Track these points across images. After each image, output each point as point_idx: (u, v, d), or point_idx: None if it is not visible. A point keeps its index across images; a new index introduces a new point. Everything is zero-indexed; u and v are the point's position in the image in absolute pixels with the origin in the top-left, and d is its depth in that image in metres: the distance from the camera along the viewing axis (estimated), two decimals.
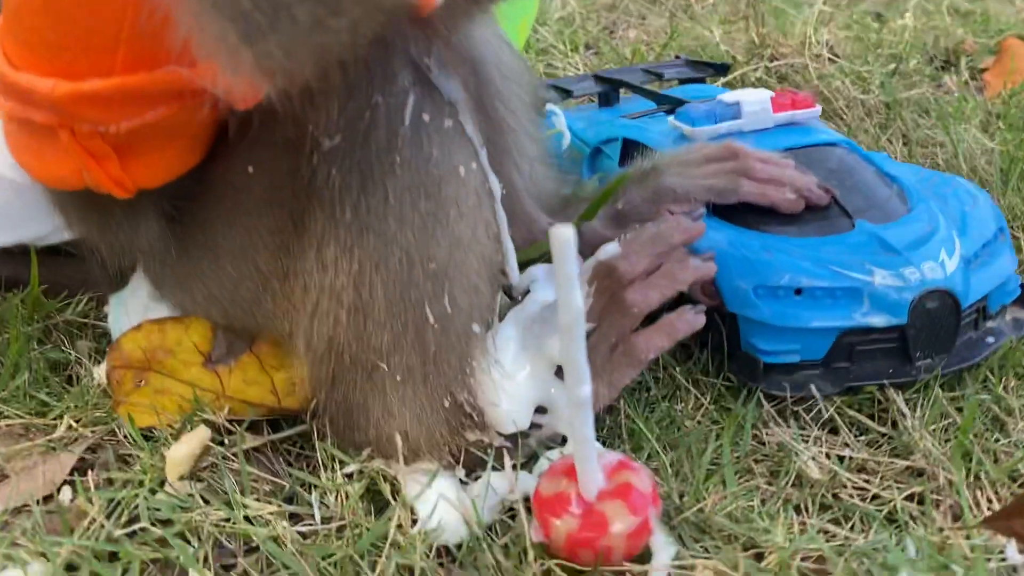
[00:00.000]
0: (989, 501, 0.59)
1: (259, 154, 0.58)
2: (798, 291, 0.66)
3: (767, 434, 0.65)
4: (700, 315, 0.64)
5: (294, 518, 0.59)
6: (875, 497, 0.60)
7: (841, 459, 0.63)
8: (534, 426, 0.61)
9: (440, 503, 0.57)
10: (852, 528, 0.58)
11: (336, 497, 0.59)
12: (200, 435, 0.61)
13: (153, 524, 0.57)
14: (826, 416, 0.66)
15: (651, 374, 0.70)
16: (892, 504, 0.59)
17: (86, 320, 0.76)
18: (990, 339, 0.70)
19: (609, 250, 0.64)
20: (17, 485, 0.61)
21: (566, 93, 0.97)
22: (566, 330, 0.49)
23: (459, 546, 0.56)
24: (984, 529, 0.56)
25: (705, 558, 0.55)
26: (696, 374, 0.71)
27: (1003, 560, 0.54)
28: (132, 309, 0.67)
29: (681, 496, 0.59)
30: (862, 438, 0.65)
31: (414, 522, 0.57)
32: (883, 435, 0.65)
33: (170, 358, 0.63)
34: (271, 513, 0.58)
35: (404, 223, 0.55)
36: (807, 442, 0.64)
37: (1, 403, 0.68)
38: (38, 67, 0.55)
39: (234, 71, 0.49)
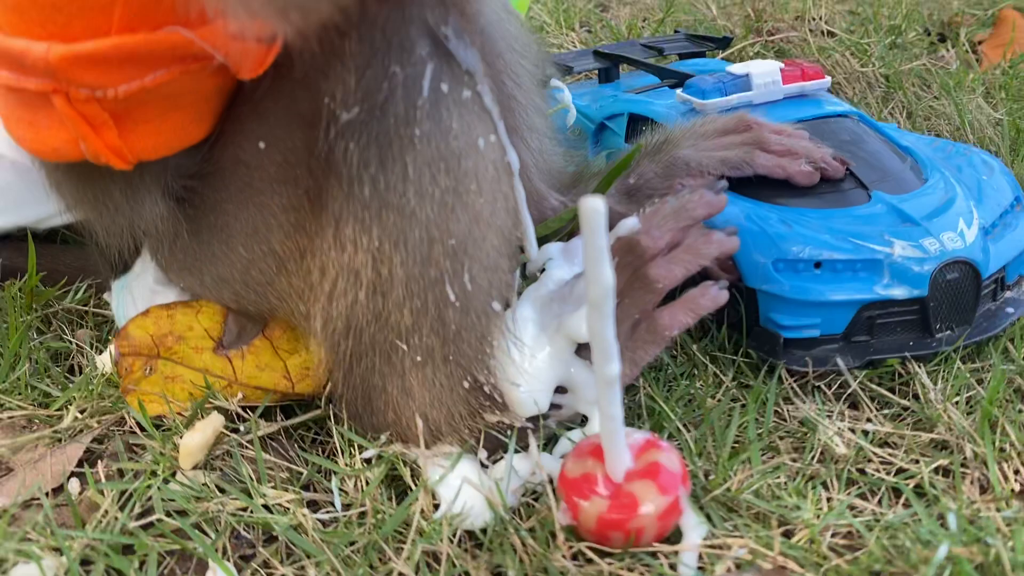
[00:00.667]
0: (1016, 472, 0.58)
1: (272, 129, 0.56)
2: (818, 264, 0.65)
3: (789, 410, 0.64)
4: (724, 291, 0.62)
5: (312, 505, 0.57)
6: (900, 471, 0.59)
7: (865, 433, 0.62)
8: (554, 407, 0.59)
9: (463, 487, 0.55)
10: (880, 503, 0.57)
11: (355, 483, 0.58)
12: (214, 423, 0.59)
13: (168, 515, 0.55)
14: (848, 391, 0.65)
15: (667, 352, 0.68)
16: (919, 477, 0.58)
17: (86, 308, 0.75)
18: (1009, 309, 0.69)
19: (629, 225, 0.62)
20: (24, 478, 0.59)
21: (566, 69, 0.96)
22: (595, 306, 0.48)
23: (484, 530, 0.54)
24: (1016, 500, 0.55)
25: (737, 536, 0.54)
26: (713, 351, 0.69)
27: None
28: (138, 294, 0.64)
29: (707, 475, 0.58)
30: (884, 412, 0.64)
31: (436, 507, 0.56)
32: (905, 408, 0.64)
33: (180, 344, 0.61)
34: (289, 501, 0.56)
35: (424, 198, 0.53)
36: (830, 417, 0.63)
37: (2, 394, 0.66)
38: (30, 31, 0.52)
39: (246, 11, 0.46)
